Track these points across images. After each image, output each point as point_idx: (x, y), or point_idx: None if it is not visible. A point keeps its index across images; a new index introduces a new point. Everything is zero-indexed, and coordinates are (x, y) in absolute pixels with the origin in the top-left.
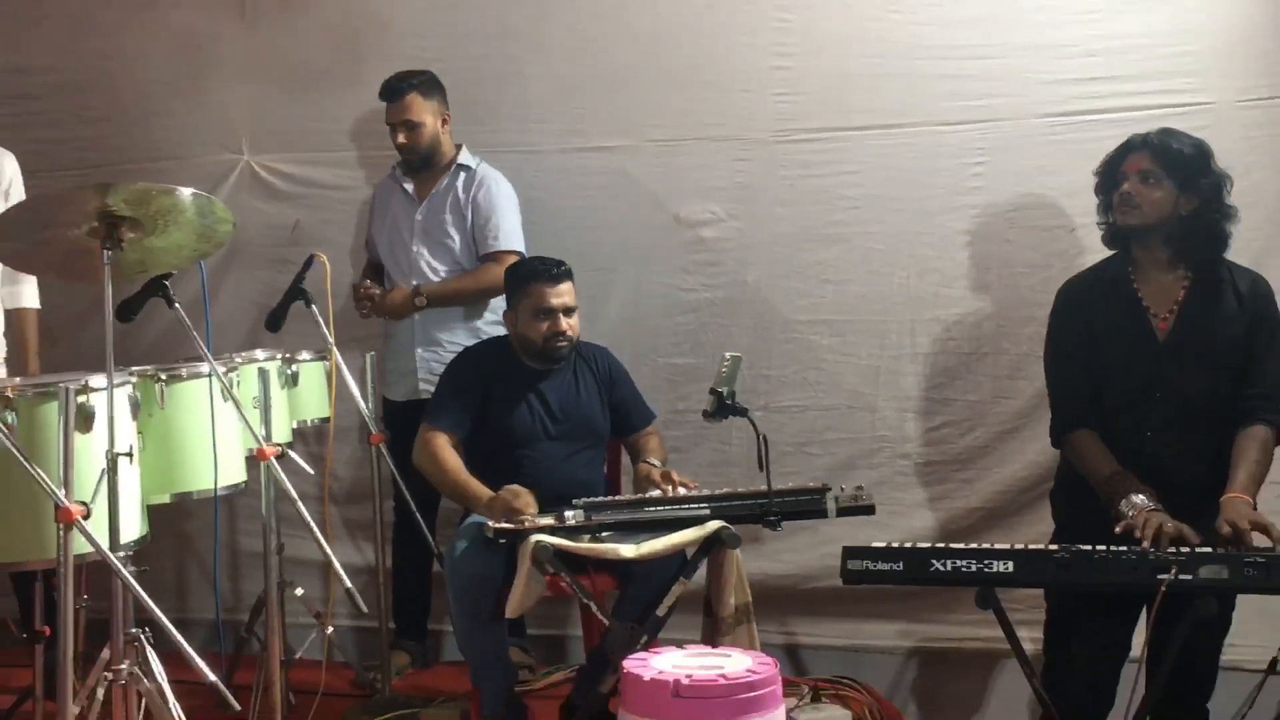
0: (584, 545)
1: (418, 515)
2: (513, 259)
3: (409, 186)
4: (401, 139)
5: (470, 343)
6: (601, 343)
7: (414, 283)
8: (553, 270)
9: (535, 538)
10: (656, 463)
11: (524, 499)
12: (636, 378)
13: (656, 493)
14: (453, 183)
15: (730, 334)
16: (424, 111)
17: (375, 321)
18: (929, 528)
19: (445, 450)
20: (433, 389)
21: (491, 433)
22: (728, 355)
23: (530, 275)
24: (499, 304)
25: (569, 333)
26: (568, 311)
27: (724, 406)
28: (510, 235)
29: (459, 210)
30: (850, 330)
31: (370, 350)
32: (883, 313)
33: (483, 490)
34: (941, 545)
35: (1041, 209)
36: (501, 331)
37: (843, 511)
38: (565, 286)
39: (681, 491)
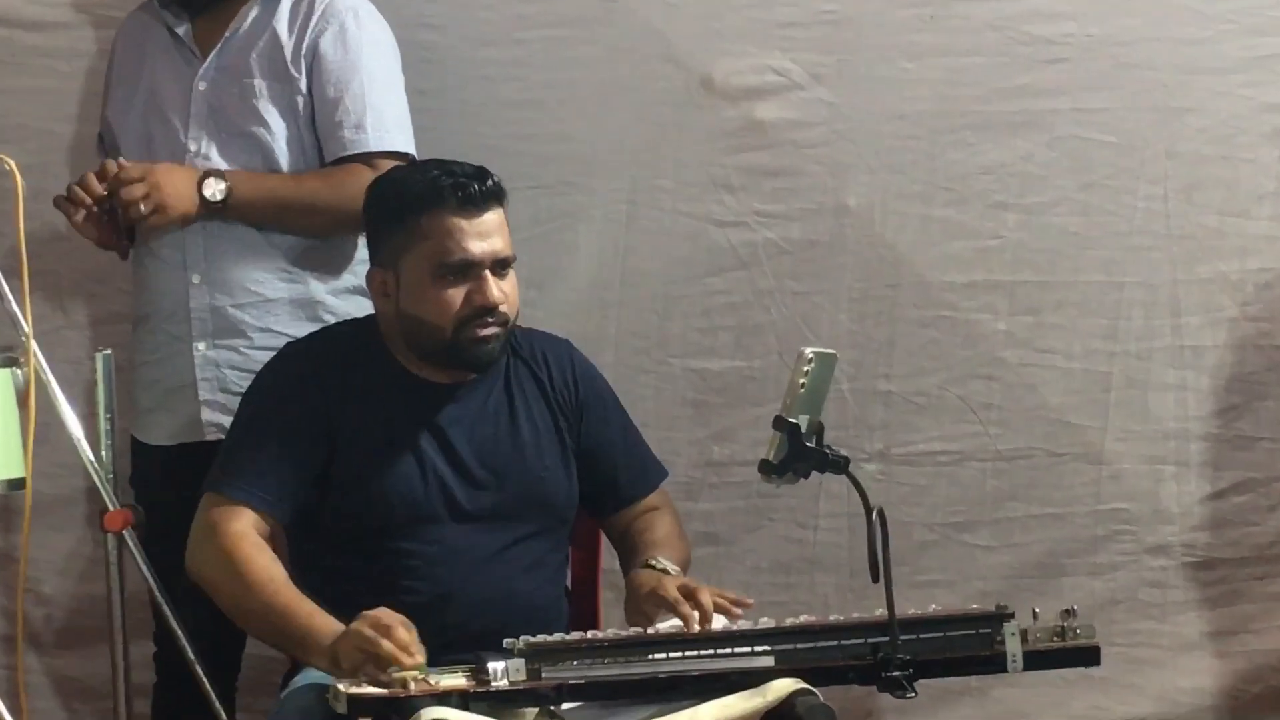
0: None
1: (198, 669)
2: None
3: (181, 29)
4: None
5: (302, 331)
6: (560, 332)
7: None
8: (470, 188)
9: (429, 713)
10: (670, 565)
11: (398, 635)
12: (633, 398)
13: (670, 625)
14: (266, 19)
15: (812, 313)
16: None
17: (116, 295)
18: (1209, 688)
19: (251, 547)
20: (226, 423)
21: (344, 511)
22: (809, 353)
23: (424, 198)
24: (358, 259)
25: (504, 310)
26: (499, 267)
27: (801, 453)
28: (387, 122)
29: (281, 70)
30: (1049, 303)
31: (105, 347)
32: (1112, 268)
33: (324, 623)
34: None
35: None
36: (360, 310)
37: (1038, 660)
38: (493, 219)
39: (720, 623)
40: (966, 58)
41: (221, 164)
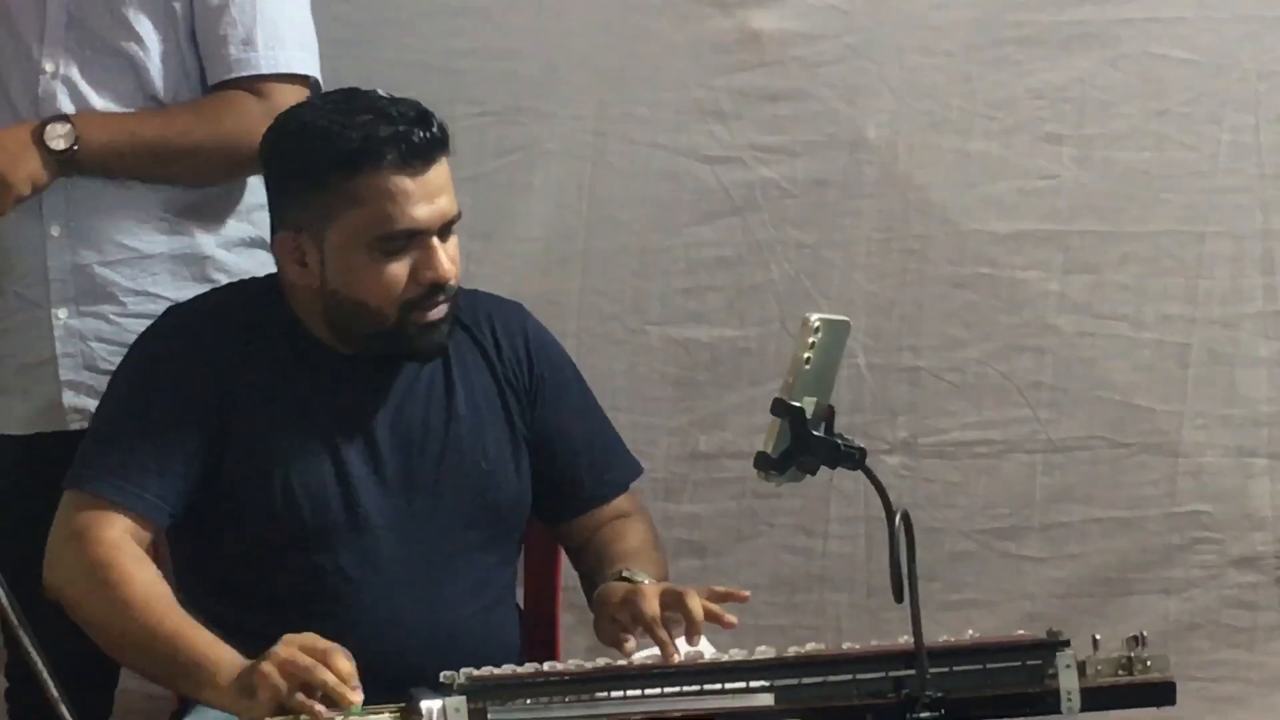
0: None
1: (64, 709)
2: (294, 97)
3: None
4: None
5: (188, 294)
6: (511, 294)
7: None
8: (413, 138)
9: None
10: (646, 580)
11: (338, 663)
12: (601, 375)
13: (646, 654)
14: None
15: (821, 270)
16: None
17: None
18: None
19: (127, 560)
20: (93, 408)
21: (241, 516)
22: (815, 320)
23: (355, 154)
24: (255, 204)
25: (454, 284)
26: (445, 232)
27: (806, 444)
28: (284, 36)
29: None
30: (1113, 259)
31: None
32: (1191, 215)
33: (225, 653)
34: None
35: None
36: (258, 267)
37: (1098, 699)
38: (439, 174)
39: (708, 651)
40: None
41: (87, 91)
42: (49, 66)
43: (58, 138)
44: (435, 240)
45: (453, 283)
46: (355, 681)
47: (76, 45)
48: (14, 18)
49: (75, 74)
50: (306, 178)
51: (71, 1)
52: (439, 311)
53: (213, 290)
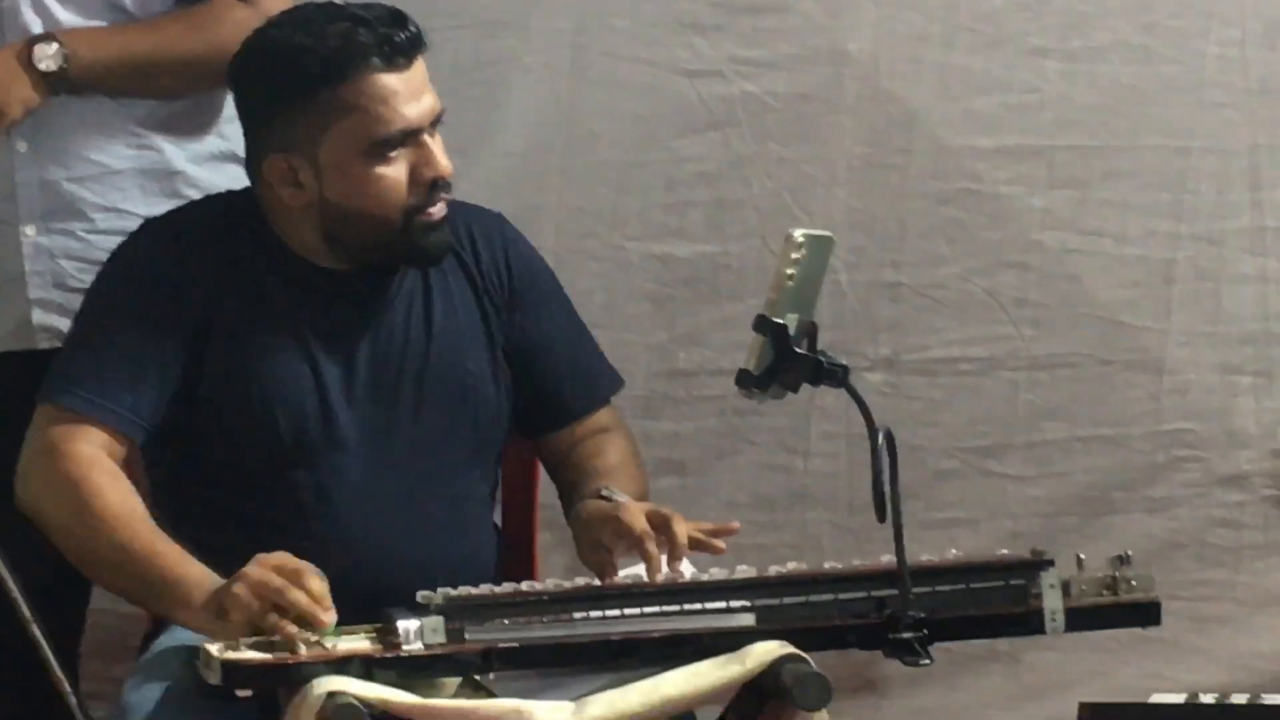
0: (446, 703)
1: (35, 629)
2: (283, 3)
3: None
4: None
5: (158, 210)
6: (489, 208)
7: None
8: (394, 37)
9: (325, 683)
10: (623, 496)
11: (311, 583)
12: (579, 290)
13: (631, 572)
14: None
15: (803, 185)
16: None
17: None
18: None
19: (102, 474)
20: (63, 327)
21: (216, 433)
22: (799, 235)
23: (339, 61)
24: (228, 117)
25: (450, 179)
26: (434, 128)
27: (789, 361)
28: None
29: None
30: (1098, 174)
31: None
32: (1177, 129)
33: (199, 571)
34: None
35: None
36: (231, 182)
37: (1083, 619)
38: (421, 71)
39: (689, 571)
40: None
41: (51, 3)
42: None
43: (47, 59)
44: (428, 137)
45: (450, 178)
46: (328, 602)
47: None
48: None
49: None
50: (291, 96)
51: None
52: (441, 209)
53: (190, 203)
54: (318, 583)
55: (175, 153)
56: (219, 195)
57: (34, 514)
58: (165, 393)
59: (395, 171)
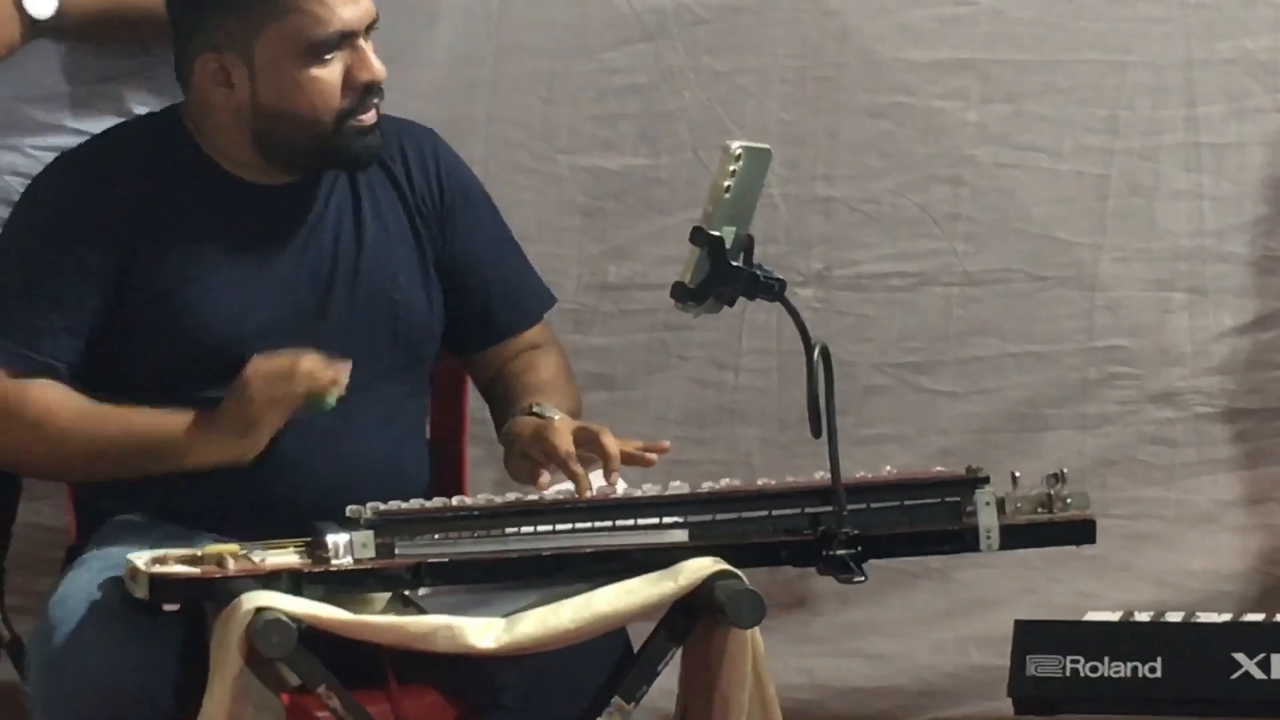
0: (375, 619)
1: None
2: None
3: None
4: None
5: (84, 136)
6: (416, 120)
7: None
8: None
9: (253, 598)
10: (556, 414)
11: (295, 370)
12: (509, 204)
13: (559, 488)
14: None
15: (735, 97)
16: None
17: None
18: (1225, 570)
19: (39, 391)
20: None
21: (144, 356)
22: (736, 148)
23: None
24: None
25: (381, 84)
26: (368, 33)
27: (725, 275)
28: None
29: None
30: (1032, 88)
31: None
32: (1110, 43)
33: (185, 419)
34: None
35: None
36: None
37: (1018, 537)
38: None
39: (621, 487)
40: None
41: None
42: None
43: (43, 4)
44: (362, 41)
45: (383, 82)
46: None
47: None
48: None
49: None
50: None
51: None
52: (372, 116)
53: (105, 131)
54: (310, 359)
55: (134, 100)
56: (137, 118)
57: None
58: (91, 327)
59: (330, 74)
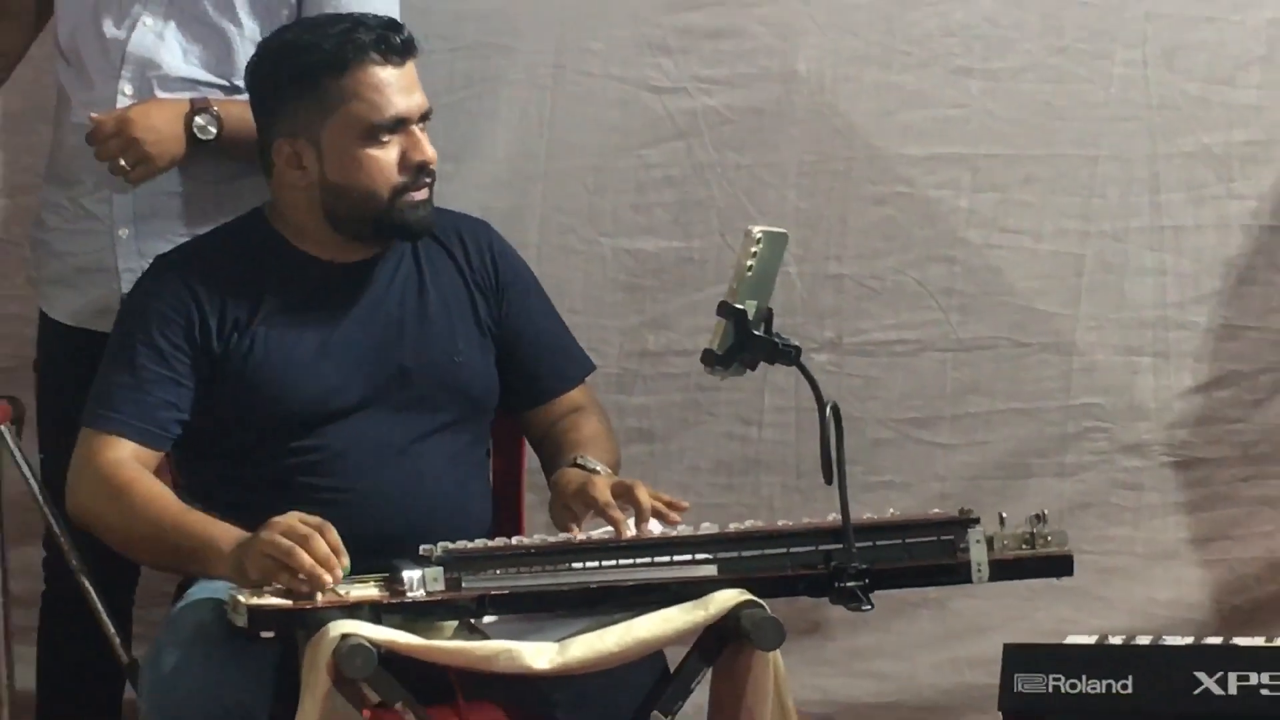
0: (445, 644)
1: (84, 579)
2: None
3: None
4: None
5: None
6: (479, 209)
7: (190, 98)
8: (391, 39)
9: (338, 626)
10: (599, 465)
11: (316, 546)
12: (559, 282)
13: (603, 531)
14: None
15: (757, 188)
16: None
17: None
18: (1187, 599)
19: (130, 471)
20: None
21: (235, 413)
22: (757, 232)
23: (341, 55)
24: None
25: (434, 166)
26: (423, 122)
27: (748, 342)
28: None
29: None
30: (1016, 179)
31: None
32: (1085, 140)
33: (222, 530)
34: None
35: None
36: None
37: (1005, 570)
38: (413, 70)
39: (656, 528)
40: None
41: (171, 45)
42: (149, 21)
43: (206, 128)
44: (417, 128)
45: (434, 165)
46: (333, 562)
47: (178, 8)
48: None
49: (166, 31)
50: (298, 85)
51: None
52: (424, 193)
53: (197, 237)
54: (322, 542)
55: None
56: (225, 224)
57: (81, 518)
58: (183, 402)
59: (387, 154)
